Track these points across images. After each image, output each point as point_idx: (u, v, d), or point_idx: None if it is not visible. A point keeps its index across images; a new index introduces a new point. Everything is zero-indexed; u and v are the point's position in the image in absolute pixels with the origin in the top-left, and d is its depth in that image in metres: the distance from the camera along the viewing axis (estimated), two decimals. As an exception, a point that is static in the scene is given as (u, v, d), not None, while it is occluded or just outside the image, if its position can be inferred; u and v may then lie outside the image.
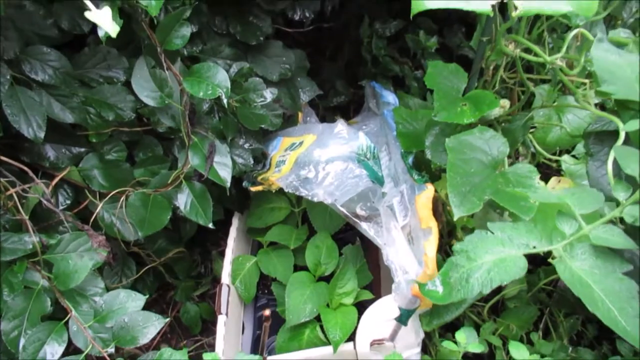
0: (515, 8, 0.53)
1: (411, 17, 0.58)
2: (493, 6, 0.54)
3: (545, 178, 1.35)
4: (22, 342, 0.76)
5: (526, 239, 0.65)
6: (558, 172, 1.14)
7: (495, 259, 0.63)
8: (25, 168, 0.87)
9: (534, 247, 0.64)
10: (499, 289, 1.15)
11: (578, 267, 0.58)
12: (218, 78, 0.83)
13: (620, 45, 0.78)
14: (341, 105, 1.57)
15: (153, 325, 0.79)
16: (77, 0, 0.82)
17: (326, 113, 1.59)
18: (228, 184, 0.92)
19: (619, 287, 0.55)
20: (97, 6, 0.78)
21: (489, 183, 0.84)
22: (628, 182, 0.60)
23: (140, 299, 0.80)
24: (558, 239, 0.64)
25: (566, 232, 0.64)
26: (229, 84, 0.83)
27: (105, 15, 0.48)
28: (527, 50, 0.88)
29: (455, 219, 0.80)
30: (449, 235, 1.16)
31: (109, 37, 0.67)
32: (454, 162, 0.85)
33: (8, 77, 0.86)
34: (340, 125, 1.06)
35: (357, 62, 1.52)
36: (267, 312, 0.91)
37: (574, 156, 1.13)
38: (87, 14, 0.50)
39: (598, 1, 0.55)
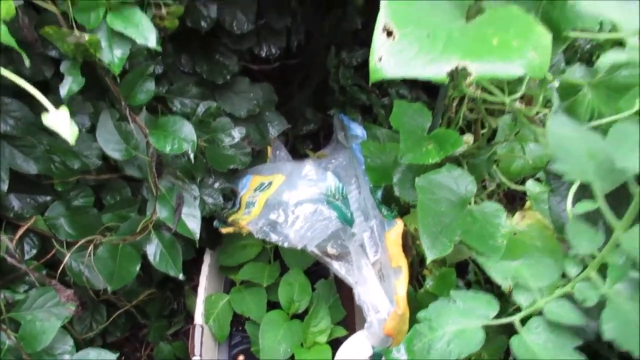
0: (470, 74, 0.55)
1: (369, 84, 0.59)
2: (448, 73, 0.55)
3: (512, 200, 1.39)
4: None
5: (485, 310, 0.66)
6: (524, 194, 1.17)
7: (456, 329, 0.64)
8: (-12, 223, 0.84)
9: (492, 319, 0.65)
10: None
11: (532, 340, 0.60)
12: (184, 132, 0.83)
13: (574, 88, 0.81)
14: (311, 132, 1.58)
15: (124, 382, 0.78)
16: (39, 48, 0.81)
17: (296, 141, 1.60)
18: (197, 236, 0.92)
19: None
20: (61, 61, 0.77)
21: (458, 223, 0.86)
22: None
23: (110, 356, 0.79)
24: (514, 311, 0.65)
25: (523, 304, 0.65)
26: (195, 138, 0.83)
27: (63, 119, 0.47)
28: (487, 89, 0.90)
29: (428, 262, 0.82)
30: (420, 264, 1.18)
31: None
32: (424, 202, 0.86)
33: (-33, 131, 0.84)
34: (308, 166, 1.07)
35: (326, 89, 1.54)
36: (241, 357, 0.91)
37: (538, 179, 1.16)
38: (43, 119, 0.49)
39: (549, 62, 0.57)
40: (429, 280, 1.10)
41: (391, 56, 0.57)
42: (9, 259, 0.85)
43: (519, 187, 1.11)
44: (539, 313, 0.62)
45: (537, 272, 0.66)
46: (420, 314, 0.66)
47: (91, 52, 0.71)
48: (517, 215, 0.97)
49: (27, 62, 0.59)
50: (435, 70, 0.55)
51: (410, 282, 1.04)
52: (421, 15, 0.60)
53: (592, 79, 0.81)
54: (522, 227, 0.95)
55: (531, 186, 1.10)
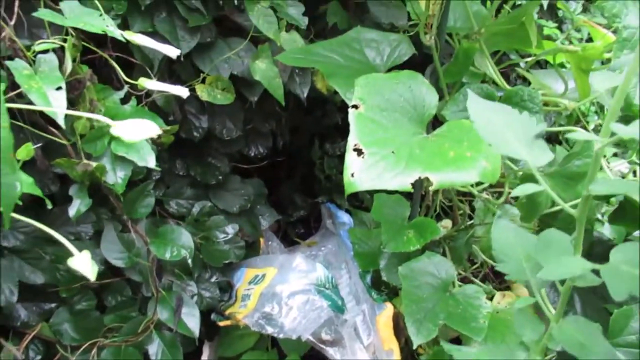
0: (431, 183, 0.63)
1: (345, 196, 0.68)
2: (412, 184, 0.64)
3: (498, 275, 1.45)
4: None
5: None
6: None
7: None
8: (-2, 335, 0.89)
9: None
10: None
11: None
12: (182, 240, 0.90)
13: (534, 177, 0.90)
14: (302, 218, 1.66)
15: None
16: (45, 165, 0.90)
17: (288, 227, 1.67)
18: (197, 334, 0.97)
19: None
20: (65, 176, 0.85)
21: (441, 306, 0.92)
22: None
23: None
24: None
25: None
26: (192, 245, 0.90)
27: (86, 261, 0.55)
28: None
29: (414, 347, 0.87)
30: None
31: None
32: (407, 290, 0.93)
33: (-20, 249, 0.91)
34: (299, 259, 1.13)
35: (313, 177, 1.63)
36: None
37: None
38: (69, 262, 0.57)
39: (500, 169, 0.66)
40: (424, 358, 1.14)
41: (362, 172, 0.66)
42: (17, 369, 0.89)
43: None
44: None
45: (494, 357, 0.71)
46: None
47: (97, 176, 0.79)
48: (498, 295, 1.03)
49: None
50: (401, 182, 0.64)
51: (405, 361, 1.08)
52: (386, 135, 0.69)
53: (550, 169, 0.90)
54: (503, 306, 1.01)
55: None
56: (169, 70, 1.05)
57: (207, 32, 1.01)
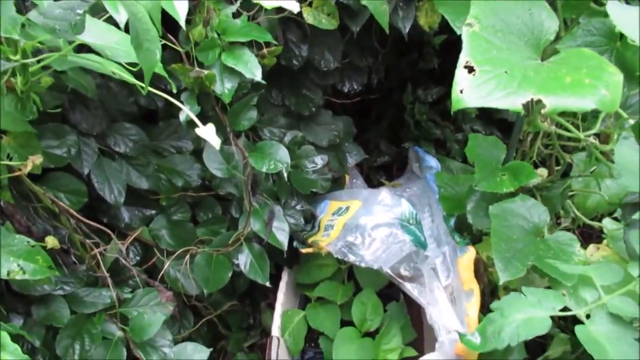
0: (544, 106, 0.61)
1: (452, 113, 0.67)
2: (524, 104, 0.62)
3: (588, 239, 1.38)
4: (102, 388, 0.85)
5: (553, 303, 0.72)
6: (601, 232, 1.17)
7: (525, 317, 0.70)
8: (106, 229, 0.98)
9: (559, 311, 0.71)
10: (543, 350, 1.17)
11: (595, 330, 0.66)
12: (279, 154, 0.94)
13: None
14: (385, 164, 1.66)
15: (216, 376, 0.87)
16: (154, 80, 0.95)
17: (370, 172, 1.68)
18: (285, 247, 1.01)
19: (630, 351, 0.63)
20: (180, 88, 0.90)
21: (531, 249, 0.90)
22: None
23: (205, 351, 0.89)
24: (581, 306, 0.72)
25: (588, 300, 0.72)
26: (289, 160, 0.94)
27: (211, 131, 0.58)
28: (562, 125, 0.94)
29: (500, 283, 0.86)
30: (491, 294, 1.20)
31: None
32: (497, 229, 0.91)
33: (96, 150, 0.99)
34: (384, 193, 1.14)
35: (400, 124, 1.61)
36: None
37: (615, 218, 1.16)
38: (197, 131, 0.61)
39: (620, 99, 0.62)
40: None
41: (471, 89, 0.64)
42: (121, 262, 0.98)
43: (594, 224, 1.12)
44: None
45: (603, 273, 0.73)
46: (494, 305, 0.73)
47: (206, 85, 0.83)
48: (592, 247, 0.99)
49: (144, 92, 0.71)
50: (512, 103, 0.62)
51: (481, 310, 1.07)
52: (499, 55, 0.67)
53: (667, 116, 0.83)
54: (596, 259, 0.97)
55: (608, 223, 1.11)
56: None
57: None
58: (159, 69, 0.69)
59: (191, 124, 0.89)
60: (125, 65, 0.71)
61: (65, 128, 0.92)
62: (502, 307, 0.74)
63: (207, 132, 0.58)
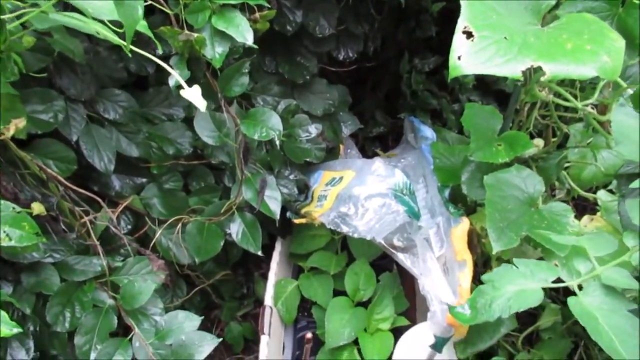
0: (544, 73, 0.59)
1: (448, 80, 0.65)
2: (523, 72, 0.60)
3: (582, 212, 1.38)
4: (93, 355, 0.85)
5: (546, 274, 0.72)
6: (595, 204, 1.17)
7: (517, 289, 0.70)
8: (97, 197, 0.96)
9: (552, 282, 0.71)
10: (534, 320, 1.18)
11: (588, 302, 0.65)
12: (272, 122, 0.91)
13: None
14: (380, 135, 1.64)
15: (207, 344, 0.87)
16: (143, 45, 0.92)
17: (365, 142, 1.66)
18: (278, 216, 1.00)
19: (623, 322, 0.62)
20: (170, 54, 0.88)
21: (525, 219, 0.89)
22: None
23: (196, 320, 0.88)
24: (573, 277, 0.71)
25: (581, 271, 0.71)
26: (281, 127, 0.92)
27: (196, 93, 0.56)
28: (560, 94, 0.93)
29: (493, 252, 0.86)
30: (484, 265, 1.20)
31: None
32: (492, 199, 0.90)
33: (84, 116, 0.97)
34: (378, 163, 1.13)
35: (397, 94, 1.59)
36: (309, 335, 0.98)
37: (610, 190, 1.16)
38: (182, 92, 0.59)
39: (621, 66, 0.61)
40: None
41: (470, 55, 0.62)
42: (112, 230, 0.97)
43: (589, 195, 1.11)
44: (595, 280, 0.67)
45: (597, 244, 0.72)
46: (485, 277, 0.72)
47: (196, 49, 0.81)
48: (585, 218, 0.98)
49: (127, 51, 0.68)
50: (511, 69, 0.60)
51: (474, 280, 1.07)
52: (499, 20, 0.65)
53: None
54: (590, 230, 0.97)
55: (603, 195, 1.10)
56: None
57: None
58: (144, 28, 0.67)
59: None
60: (111, 26, 0.68)
61: (52, 93, 0.90)
62: (493, 279, 0.73)
63: (192, 94, 0.56)
